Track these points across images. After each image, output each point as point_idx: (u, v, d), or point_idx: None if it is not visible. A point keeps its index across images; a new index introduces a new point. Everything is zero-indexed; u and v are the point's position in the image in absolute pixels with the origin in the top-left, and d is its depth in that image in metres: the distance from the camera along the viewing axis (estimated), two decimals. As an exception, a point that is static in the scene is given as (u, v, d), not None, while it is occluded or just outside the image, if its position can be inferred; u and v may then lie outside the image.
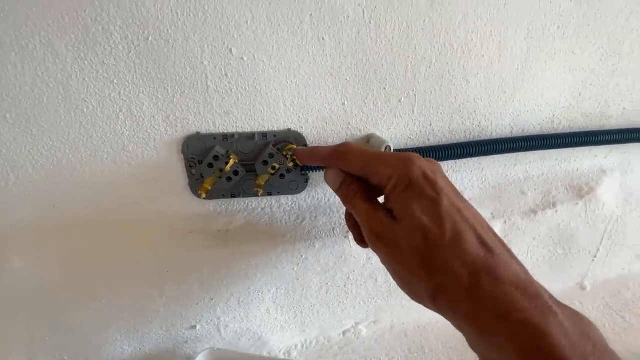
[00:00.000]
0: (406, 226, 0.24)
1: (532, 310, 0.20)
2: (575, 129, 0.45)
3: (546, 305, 0.21)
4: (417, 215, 0.24)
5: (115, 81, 0.32)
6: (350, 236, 0.40)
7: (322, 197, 0.41)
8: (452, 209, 0.24)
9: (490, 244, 0.23)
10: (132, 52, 0.31)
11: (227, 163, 0.35)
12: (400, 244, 0.24)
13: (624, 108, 0.46)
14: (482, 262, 0.22)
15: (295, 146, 0.36)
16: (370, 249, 0.27)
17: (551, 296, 0.22)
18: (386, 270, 0.26)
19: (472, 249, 0.22)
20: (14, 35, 0.29)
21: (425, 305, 0.24)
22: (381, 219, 0.26)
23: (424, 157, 0.39)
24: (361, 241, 0.30)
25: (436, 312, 0.24)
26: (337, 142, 0.39)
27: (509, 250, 0.24)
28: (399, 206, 0.25)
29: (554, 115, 0.44)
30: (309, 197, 0.41)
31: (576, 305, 0.52)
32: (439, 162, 0.29)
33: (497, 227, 0.46)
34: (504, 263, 0.22)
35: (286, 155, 0.36)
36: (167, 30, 0.31)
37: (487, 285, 0.21)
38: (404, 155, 0.27)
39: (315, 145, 0.38)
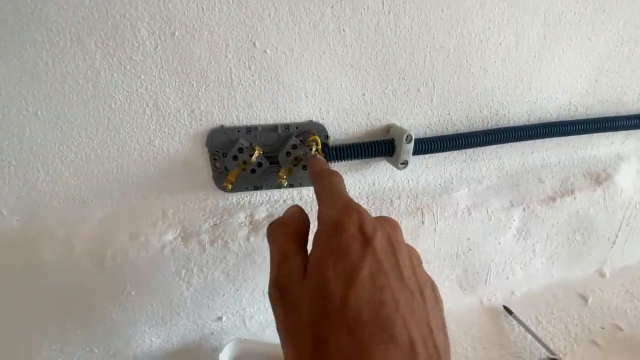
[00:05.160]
0: (311, 286, 0.18)
1: None
2: (592, 116, 0.45)
3: None
4: (329, 275, 0.17)
5: (142, 76, 0.32)
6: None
7: (342, 188, 0.42)
8: (371, 284, 0.17)
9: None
10: (159, 48, 0.31)
11: (251, 155, 0.35)
12: (298, 309, 0.18)
13: (640, 94, 0.46)
14: None
15: (317, 137, 0.36)
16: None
17: None
18: None
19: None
20: (45, 33, 0.29)
21: None
22: (291, 269, 0.20)
23: (443, 146, 0.40)
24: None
25: None
26: (357, 132, 0.39)
27: None
28: (314, 257, 0.19)
29: (570, 102, 0.44)
30: (329, 188, 0.41)
31: (596, 293, 0.52)
32: (398, 225, 0.21)
33: (517, 215, 0.46)
34: None
35: (309, 146, 0.36)
36: (193, 25, 0.31)
37: None
38: (350, 201, 0.21)
39: (337, 138, 0.38)
